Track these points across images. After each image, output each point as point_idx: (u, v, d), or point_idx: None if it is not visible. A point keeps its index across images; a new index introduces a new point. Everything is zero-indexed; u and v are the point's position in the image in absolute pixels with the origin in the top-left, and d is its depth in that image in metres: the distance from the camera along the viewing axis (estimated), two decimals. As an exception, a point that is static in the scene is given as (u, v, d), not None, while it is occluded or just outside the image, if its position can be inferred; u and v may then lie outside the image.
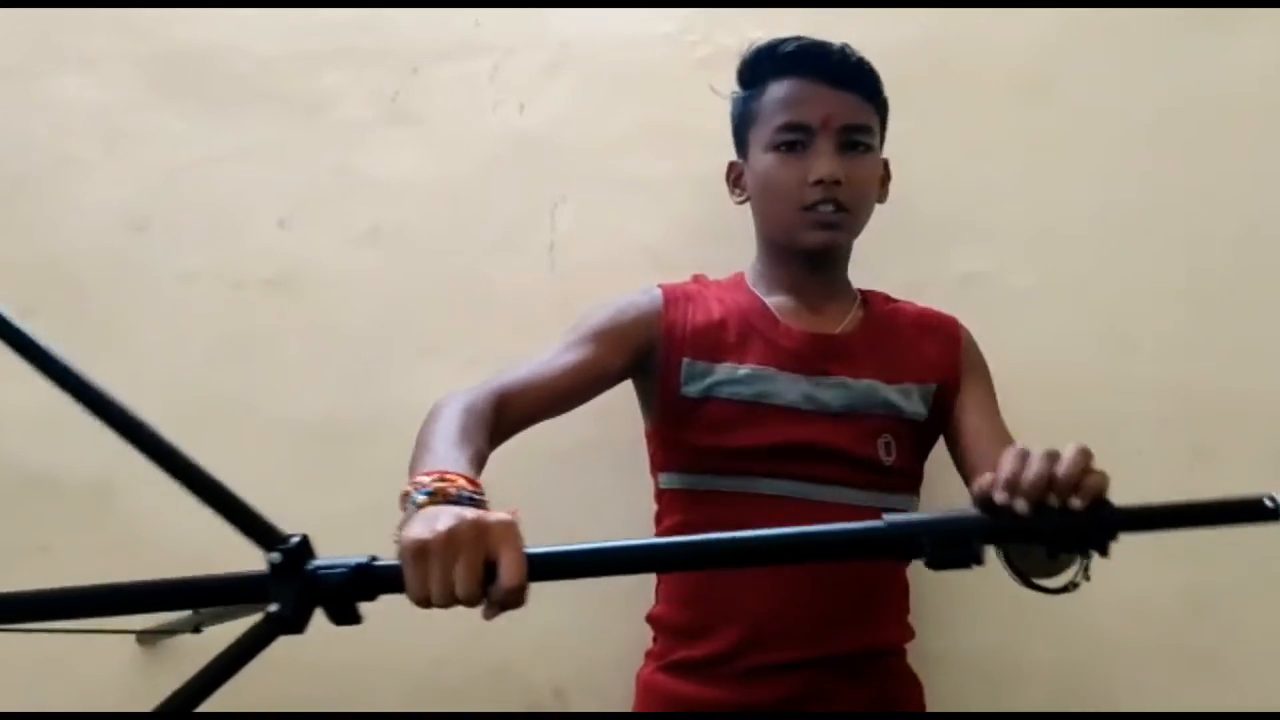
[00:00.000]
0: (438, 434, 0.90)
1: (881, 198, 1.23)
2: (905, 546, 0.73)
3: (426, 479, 0.80)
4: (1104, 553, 0.74)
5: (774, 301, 1.20)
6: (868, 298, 1.26)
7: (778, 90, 1.17)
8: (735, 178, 1.25)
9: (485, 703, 1.36)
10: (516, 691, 1.37)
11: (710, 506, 1.13)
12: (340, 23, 1.49)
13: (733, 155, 1.27)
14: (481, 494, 0.80)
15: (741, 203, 1.25)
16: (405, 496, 0.79)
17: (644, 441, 1.25)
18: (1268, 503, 0.74)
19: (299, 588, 0.68)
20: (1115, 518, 0.74)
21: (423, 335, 1.43)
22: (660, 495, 1.21)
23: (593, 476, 1.37)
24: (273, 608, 0.68)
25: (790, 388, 1.13)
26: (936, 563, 0.73)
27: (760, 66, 1.20)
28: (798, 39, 1.18)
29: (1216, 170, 1.41)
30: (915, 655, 1.20)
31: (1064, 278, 1.41)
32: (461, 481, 0.80)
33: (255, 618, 0.69)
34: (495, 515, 0.74)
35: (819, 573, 1.09)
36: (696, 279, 1.27)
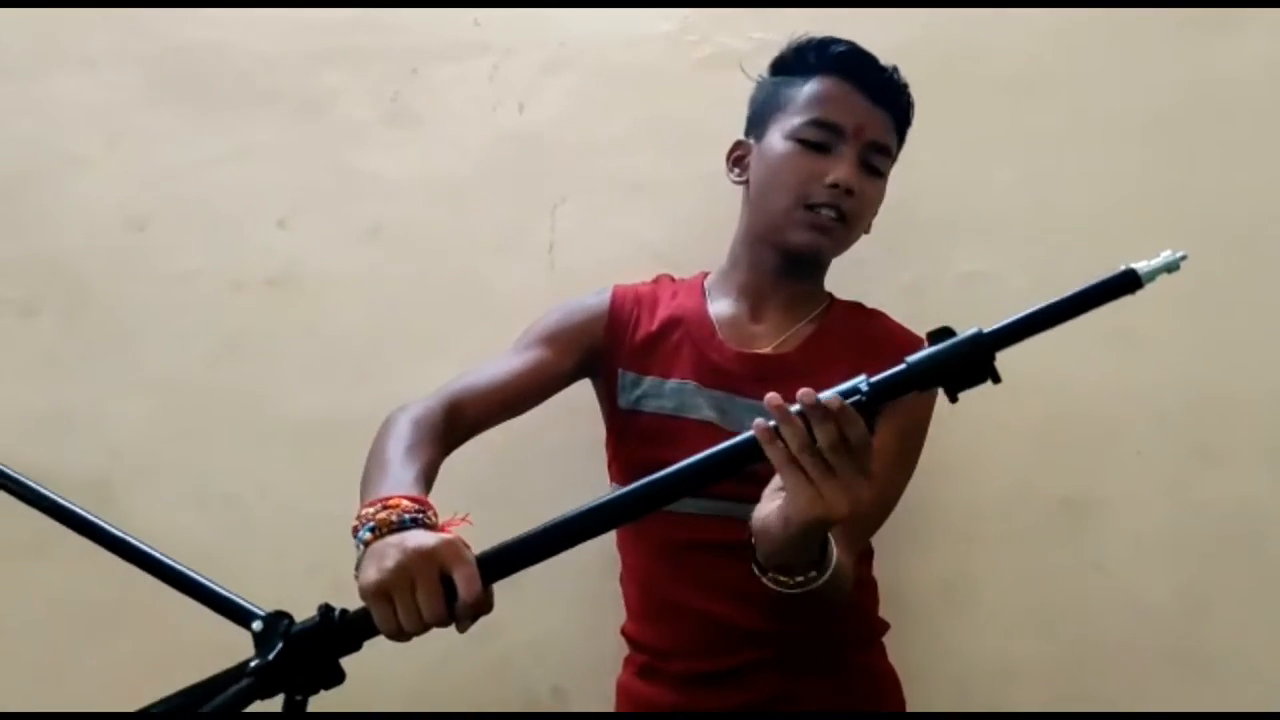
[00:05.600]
0: (389, 450, 0.93)
1: (868, 227, 1.22)
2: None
3: (370, 510, 0.82)
4: (995, 378, 0.80)
5: (720, 311, 1.19)
6: (833, 309, 1.22)
7: (818, 85, 1.16)
8: (738, 158, 1.23)
9: (484, 702, 1.36)
10: (515, 690, 1.38)
11: (646, 522, 1.07)
12: (340, 23, 1.49)
13: (727, 148, 1.24)
14: (424, 510, 0.83)
15: (739, 183, 1.23)
16: (354, 531, 0.82)
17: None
18: (1138, 268, 0.81)
19: (278, 644, 0.78)
20: (990, 337, 0.81)
21: (423, 335, 1.44)
22: None
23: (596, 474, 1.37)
24: (255, 662, 0.78)
25: (709, 403, 1.12)
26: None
27: (806, 57, 1.18)
28: (850, 43, 1.18)
29: (1216, 170, 1.40)
30: (909, 653, 1.20)
31: (1064, 278, 1.40)
32: (405, 504, 0.82)
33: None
34: (437, 537, 0.78)
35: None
36: (658, 280, 1.26)
